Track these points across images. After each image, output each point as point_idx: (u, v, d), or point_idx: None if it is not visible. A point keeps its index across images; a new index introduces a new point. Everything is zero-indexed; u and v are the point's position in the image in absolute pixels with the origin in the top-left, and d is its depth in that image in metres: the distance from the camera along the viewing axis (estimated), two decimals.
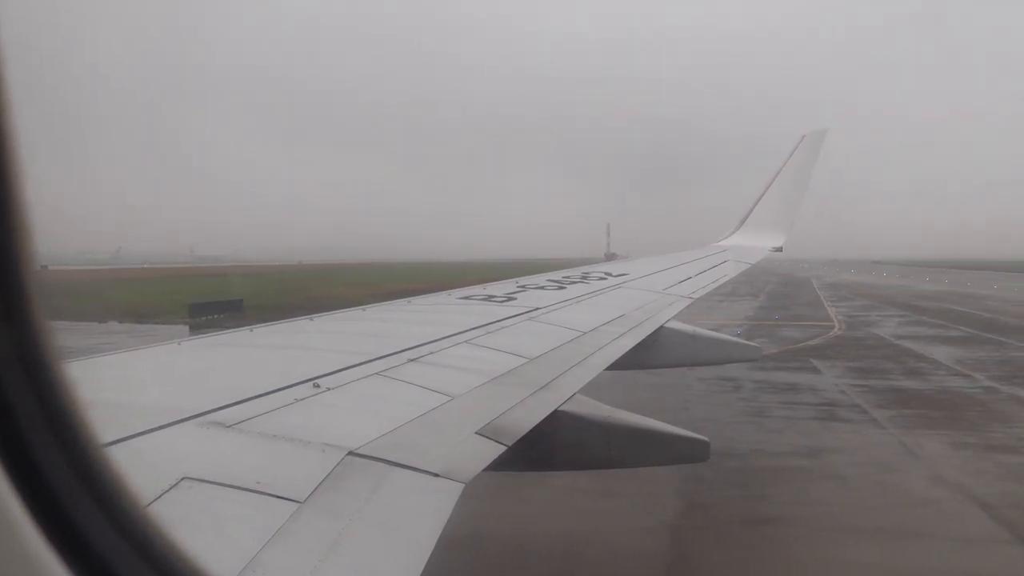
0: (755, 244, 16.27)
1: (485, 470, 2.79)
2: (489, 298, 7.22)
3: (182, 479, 2.11)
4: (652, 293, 8.93)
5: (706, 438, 4.86)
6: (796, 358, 25.31)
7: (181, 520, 1.93)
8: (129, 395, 3.09)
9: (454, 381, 3.77)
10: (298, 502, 2.15)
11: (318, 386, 3.27)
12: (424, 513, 2.33)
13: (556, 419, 3.74)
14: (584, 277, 9.92)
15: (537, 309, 6.56)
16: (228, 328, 5.31)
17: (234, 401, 2.88)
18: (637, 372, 21.32)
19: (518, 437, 3.15)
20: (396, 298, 7.62)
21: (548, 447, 3.98)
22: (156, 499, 1.98)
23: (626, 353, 5.53)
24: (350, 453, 2.55)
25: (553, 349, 4.99)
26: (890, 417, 16.38)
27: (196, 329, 33.43)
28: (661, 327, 7.12)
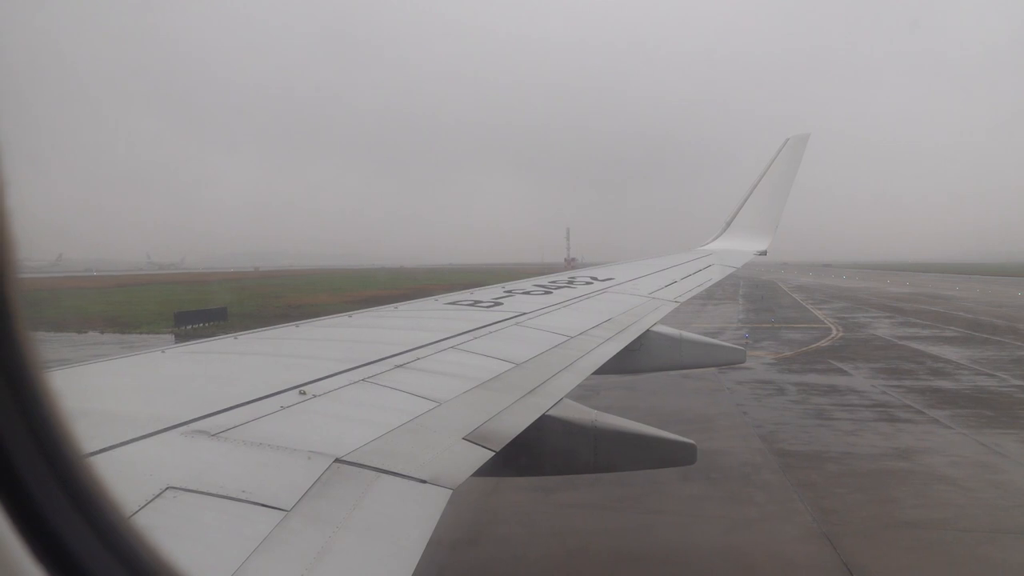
0: (740, 248, 16.35)
1: (473, 476, 2.79)
2: (475, 303, 7.21)
3: (166, 488, 2.09)
4: (638, 297, 8.96)
5: (692, 441, 4.87)
6: (816, 360, 25.65)
7: (166, 530, 1.91)
8: (113, 404, 3.06)
9: (441, 387, 3.76)
10: (284, 510, 2.13)
11: (304, 393, 3.25)
12: (412, 520, 2.32)
13: (543, 424, 3.74)
14: (570, 282, 9.94)
15: (524, 314, 6.56)
16: (214, 337, 5.27)
17: (219, 409, 2.86)
18: (679, 378, 21.56)
19: (506, 442, 3.15)
20: (375, 304, 7.61)
21: (536, 452, 3.98)
22: (140, 509, 1.96)
23: (613, 357, 5.54)
24: (337, 460, 2.54)
25: (540, 354, 4.99)
26: (950, 417, 16.70)
27: (182, 338, 33.15)
28: (648, 331, 7.13)
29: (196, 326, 40.39)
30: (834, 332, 34.23)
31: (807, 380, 21.78)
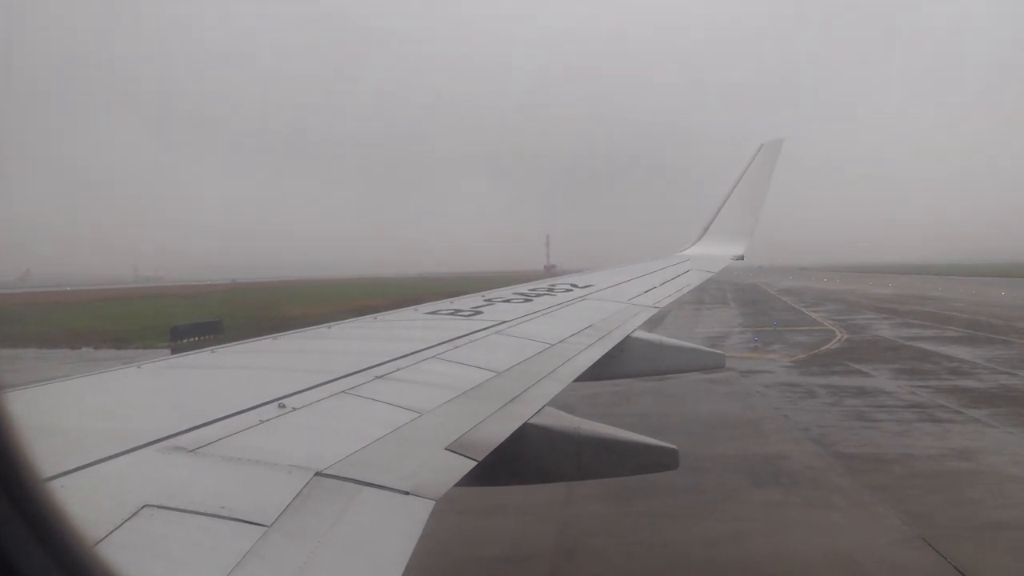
0: (717, 253, 16.49)
1: (456, 486, 2.77)
2: (456, 312, 7.19)
3: (143, 507, 2.06)
4: (618, 304, 8.99)
5: (674, 446, 4.88)
6: (832, 362, 25.80)
7: (143, 549, 1.87)
8: (87, 421, 3.00)
9: (422, 397, 3.74)
10: (265, 526, 2.11)
11: (284, 406, 3.22)
12: (394, 532, 2.30)
13: (526, 432, 3.74)
14: (550, 289, 9.95)
15: (504, 322, 6.55)
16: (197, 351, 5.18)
17: (196, 424, 2.81)
18: (707, 383, 21.71)
19: (488, 451, 3.14)
20: (370, 313, 7.55)
21: (519, 460, 3.96)
22: (116, 528, 1.92)
23: (594, 364, 5.55)
24: (317, 474, 2.51)
25: (521, 362, 4.99)
26: (990, 416, 16.81)
27: (179, 352, 32.32)
28: (627, 337, 7.16)
29: (192, 339, 39.32)
30: (838, 334, 34.50)
31: (832, 382, 21.92)
